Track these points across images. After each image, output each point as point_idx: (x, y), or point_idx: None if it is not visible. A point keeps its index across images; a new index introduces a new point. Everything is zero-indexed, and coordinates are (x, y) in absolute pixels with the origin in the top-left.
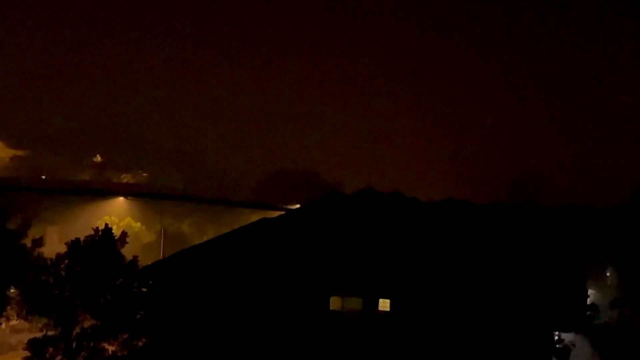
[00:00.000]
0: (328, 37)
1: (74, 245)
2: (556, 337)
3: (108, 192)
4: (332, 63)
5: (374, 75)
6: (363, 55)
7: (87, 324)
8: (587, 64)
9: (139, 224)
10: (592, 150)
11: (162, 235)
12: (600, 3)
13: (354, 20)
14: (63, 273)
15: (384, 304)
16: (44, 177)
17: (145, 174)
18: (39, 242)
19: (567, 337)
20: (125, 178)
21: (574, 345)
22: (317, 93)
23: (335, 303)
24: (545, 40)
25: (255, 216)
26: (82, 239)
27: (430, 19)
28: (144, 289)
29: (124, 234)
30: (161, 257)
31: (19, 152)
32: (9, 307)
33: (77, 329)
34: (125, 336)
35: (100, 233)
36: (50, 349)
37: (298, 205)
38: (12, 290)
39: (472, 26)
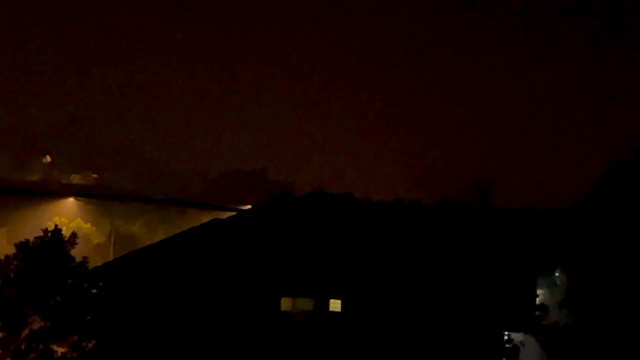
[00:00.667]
0: (278, 37)
1: (22, 246)
2: (505, 337)
3: (57, 193)
4: (283, 64)
5: (324, 75)
6: (314, 56)
7: (36, 325)
8: (538, 64)
9: (89, 225)
10: (545, 152)
11: (113, 237)
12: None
13: (305, 19)
14: (12, 275)
15: (335, 305)
16: None
17: (95, 175)
18: None
19: (517, 337)
20: (75, 179)
21: (523, 345)
22: (268, 93)
23: (286, 304)
24: (494, 40)
25: (206, 217)
26: (31, 240)
27: (377, 19)
28: (94, 291)
29: (73, 235)
30: (111, 259)
31: None
32: None
33: (27, 331)
34: (75, 338)
35: (49, 234)
36: (0, 351)
37: (249, 206)
38: None
39: (418, 25)
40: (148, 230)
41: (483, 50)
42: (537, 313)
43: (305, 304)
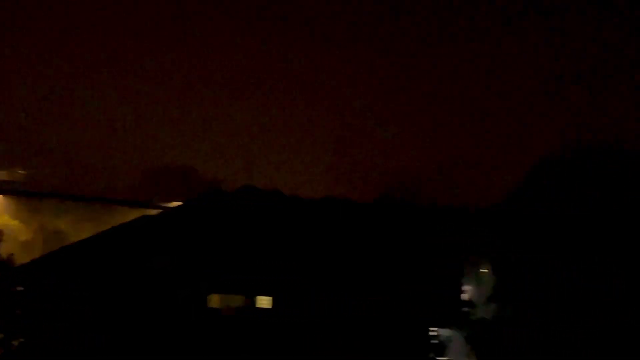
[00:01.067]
0: (206, 31)
1: None
2: (433, 333)
3: None
4: (210, 58)
5: (253, 70)
6: (241, 51)
7: None
8: (465, 61)
9: (16, 222)
10: (471, 151)
11: (40, 234)
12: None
13: (230, 14)
14: None
15: (264, 301)
16: None
17: (22, 172)
18: None
19: (444, 332)
20: (1, 175)
21: (450, 340)
22: (196, 88)
23: (214, 301)
24: (416, 36)
25: (134, 214)
26: None
27: (301, 17)
28: (20, 288)
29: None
30: (39, 256)
31: None
32: None
33: None
34: (1, 336)
35: None
36: None
37: (178, 203)
38: None
39: (341, 21)
40: (75, 228)
41: (404, 47)
42: (464, 309)
43: (235, 300)
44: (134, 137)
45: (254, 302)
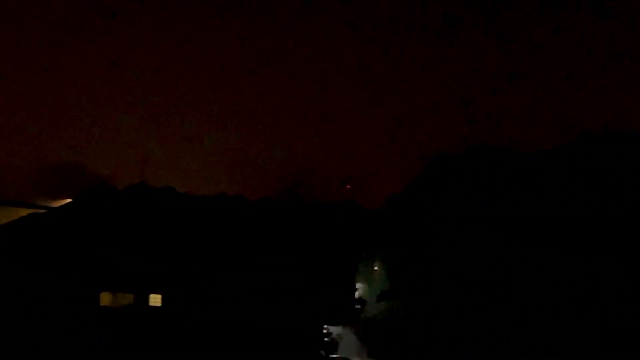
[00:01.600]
0: (82, 26)
1: None
2: (325, 331)
3: None
4: (101, 56)
5: (144, 68)
6: (134, 49)
7: None
8: (362, 59)
9: None
10: (366, 147)
11: None
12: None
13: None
14: None
15: (155, 299)
16: None
17: None
18: None
19: (336, 330)
20: None
21: (341, 337)
22: (86, 85)
23: (105, 299)
24: (318, 36)
25: (21, 212)
26: None
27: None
28: None
29: None
30: None
31: None
32: None
33: None
34: None
35: None
36: None
37: (68, 200)
38: None
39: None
40: None
41: (290, 49)
42: (355, 306)
43: (126, 298)
44: (21, 135)
45: (145, 300)
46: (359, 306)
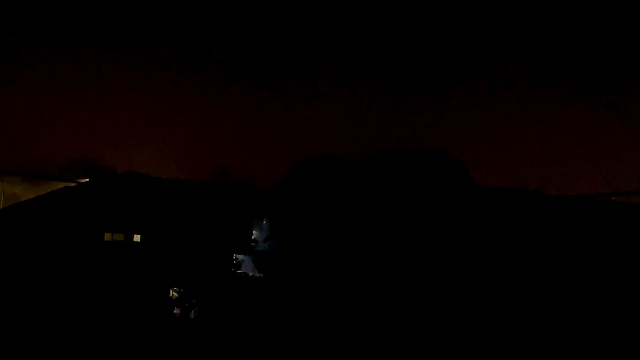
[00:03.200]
0: None
1: None
2: (234, 257)
3: None
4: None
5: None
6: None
7: None
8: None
9: None
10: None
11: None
12: None
13: None
14: None
15: (137, 238)
16: None
17: None
18: None
19: (240, 257)
20: None
21: (243, 261)
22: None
23: (107, 237)
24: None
25: (59, 185)
26: None
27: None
28: None
29: None
30: None
31: None
32: None
33: None
34: None
35: None
36: None
37: (86, 179)
38: None
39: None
40: (25, 193)
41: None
42: (251, 244)
43: (120, 237)
44: (61, 135)
45: (131, 238)
46: (253, 244)
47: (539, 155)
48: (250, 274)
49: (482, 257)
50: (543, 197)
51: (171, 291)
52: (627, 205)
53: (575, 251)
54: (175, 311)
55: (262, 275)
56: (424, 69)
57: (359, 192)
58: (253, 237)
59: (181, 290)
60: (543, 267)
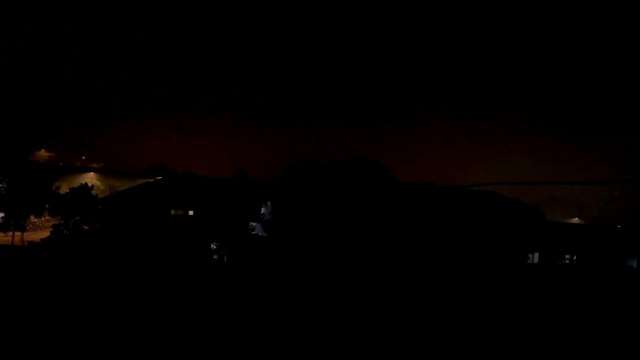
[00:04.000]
0: None
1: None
2: (250, 224)
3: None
4: None
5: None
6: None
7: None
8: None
9: (98, 182)
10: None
11: (108, 187)
12: None
13: None
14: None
15: (191, 213)
16: None
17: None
18: None
19: (253, 224)
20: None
21: (255, 227)
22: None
23: (172, 212)
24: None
25: (141, 180)
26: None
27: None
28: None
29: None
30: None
31: None
32: None
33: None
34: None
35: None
36: None
37: (159, 177)
38: None
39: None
40: (123, 185)
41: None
42: (261, 215)
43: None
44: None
45: (187, 213)
46: (262, 215)
47: (432, 161)
48: (260, 234)
49: (396, 226)
50: (435, 187)
51: (212, 245)
52: (486, 192)
53: (449, 221)
54: (214, 257)
55: (267, 234)
56: (361, 107)
57: (327, 187)
58: (262, 212)
59: (218, 244)
60: (432, 232)
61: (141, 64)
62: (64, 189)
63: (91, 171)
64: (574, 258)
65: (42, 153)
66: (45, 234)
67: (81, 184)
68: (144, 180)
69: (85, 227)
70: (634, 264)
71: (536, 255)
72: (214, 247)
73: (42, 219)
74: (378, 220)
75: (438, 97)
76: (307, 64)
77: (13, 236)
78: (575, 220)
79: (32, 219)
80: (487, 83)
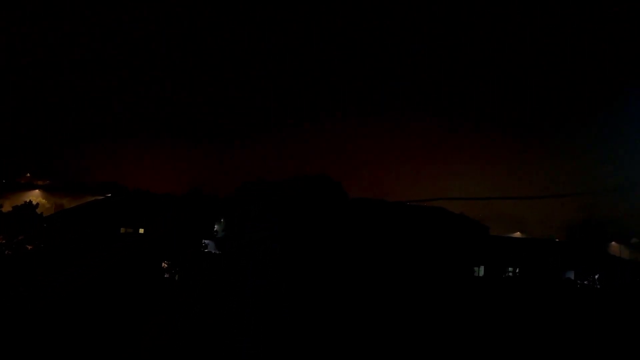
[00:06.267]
0: None
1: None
2: (203, 243)
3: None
4: None
5: None
6: None
7: None
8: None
9: (44, 200)
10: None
11: (53, 205)
12: None
13: None
14: None
15: (141, 230)
16: None
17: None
18: None
19: (207, 243)
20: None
21: (207, 245)
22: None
23: (122, 230)
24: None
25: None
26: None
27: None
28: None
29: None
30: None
31: None
32: None
33: None
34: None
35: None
36: None
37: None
38: None
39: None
40: (70, 203)
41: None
42: (215, 232)
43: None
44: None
45: (138, 230)
46: (215, 233)
47: (383, 177)
48: (213, 251)
49: (348, 239)
50: (384, 202)
51: (163, 263)
52: (433, 208)
53: (397, 232)
54: (165, 275)
55: (220, 252)
56: (316, 124)
57: (283, 202)
58: (215, 229)
59: (169, 262)
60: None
61: (93, 78)
62: (7, 207)
63: (36, 188)
64: (516, 270)
65: None
66: None
67: (25, 201)
68: (93, 198)
69: (29, 247)
70: (572, 275)
71: (482, 268)
72: (165, 265)
73: None
74: (328, 235)
75: (390, 115)
76: (259, 83)
77: None
78: (517, 234)
79: None
80: (434, 100)
